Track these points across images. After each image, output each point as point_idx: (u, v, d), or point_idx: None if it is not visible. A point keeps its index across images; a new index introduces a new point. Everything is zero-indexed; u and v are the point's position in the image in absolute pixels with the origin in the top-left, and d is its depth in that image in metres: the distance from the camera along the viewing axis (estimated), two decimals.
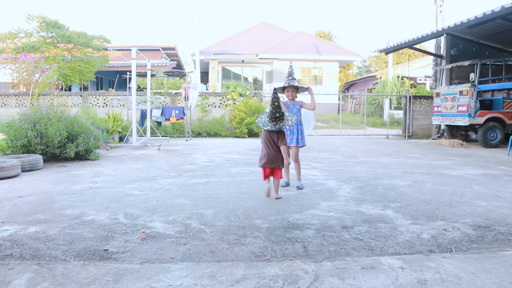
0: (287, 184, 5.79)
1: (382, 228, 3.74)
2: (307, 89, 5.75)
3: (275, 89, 5.08)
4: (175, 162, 8.30)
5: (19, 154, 7.64)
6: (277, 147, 4.91)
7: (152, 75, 14.99)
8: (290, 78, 5.66)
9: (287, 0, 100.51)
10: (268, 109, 4.94)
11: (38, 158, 7.33)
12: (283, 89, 5.71)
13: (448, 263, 2.89)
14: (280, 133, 4.93)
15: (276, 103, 4.79)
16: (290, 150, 5.72)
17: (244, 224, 3.83)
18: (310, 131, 6.09)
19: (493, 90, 14.03)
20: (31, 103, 15.78)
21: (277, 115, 4.79)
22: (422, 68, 30.23)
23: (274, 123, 4.82)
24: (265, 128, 4.89)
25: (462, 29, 12.76)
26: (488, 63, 13.91)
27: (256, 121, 5.04)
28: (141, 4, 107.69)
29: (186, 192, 5.31)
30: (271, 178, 5.00)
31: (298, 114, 5.69)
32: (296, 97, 5.78)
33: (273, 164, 4.90)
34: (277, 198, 4.93)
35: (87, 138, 8.34)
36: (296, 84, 5.69)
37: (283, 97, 5.88)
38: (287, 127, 4.94)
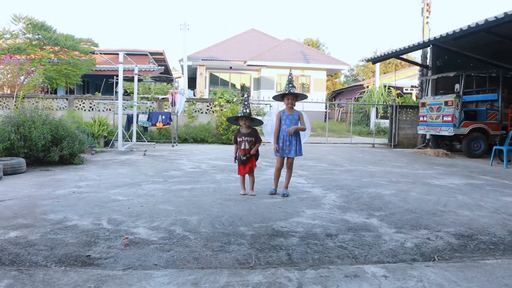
0: (274, 192, 5.77)
1: (366, 236, 3.76)
2: (306, 97, 6.11)
3: (247, 95, 5.69)
4: (160, 167, 8.26)
5: (1, 157, 7.52)
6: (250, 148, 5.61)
7: (139, 80, 14.93)
8: (290, 85, 5.66)
9: (275, 7, 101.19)
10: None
11: (21, 161, 7.24)
12: (282, 96, 5.73)
13: (431, 272, 2.91)
14: (253, 142, 5.63)
15: (246, 102, 5.72)
16: (285, 159, 5.78)
17: (229, 231, 3.82)
18: (306, 139, 6.11)
19: (477, 101, 14.23)
20: (15, 105, 15.60)
21: (247, 110, 5.59)
22: (408, 78, 30.55)
23: (242, 111, 5.58)
24: (237, 115, 5.67)
25: (447, 40, 12.95)
26: (472, 74, 14.09)
27: (227, 119, 5.97)
28: (130, 9, 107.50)
29: (171, 198, 5.28)
30: (247, 176, 5.75)
31: (297, 124, 5.68)
32: (295, 105, 5.77)
33: (247, 162, 5.64)
34: (252, 195, 5.58)
35: (71, 142, 8.26)
36: (295, 91, 5.73)
37: (274, 106, 6.45)
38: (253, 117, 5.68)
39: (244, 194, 5.59)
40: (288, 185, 5.82)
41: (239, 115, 5.58)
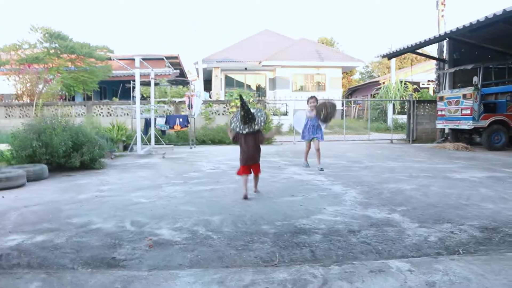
0: (308, 166, 8.39)
1: (389, 231, 3.74)
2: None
3: (241, 96, 5.44)
4: (180, 169, 8.31)
5: (24, 164, 7.66)
6: (255, 145, 5.39)
7: (156, 84, 15.05)
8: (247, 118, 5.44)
9: (289, 7, 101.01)
10: (238, 114, 5.34)
11: (44, 167, 7.36)
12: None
13: (456, 265, 2.88)
14: (258, 134, 5.39)
15: (246, 107, 5.18)
16: (313, 142, 8.32)
17: (251, 230, 3.83)
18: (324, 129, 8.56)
19: (496, 93, 14.01)
20: (35, 113, 15.87)
21: (250, 117, 5.21)
22: (425, 73, 30.20)
23: (249, 124, 5.25)
24: (244, 132, 5.28)
25: (464, 33, 12.77)
26: (491, 66, 13.88)
27: (231, 127, 5.46)
28: (145, 13, 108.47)
29: (192, 199, 5.32)
30: (250, 177, 5.56)
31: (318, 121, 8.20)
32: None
33: (252, 161, 5.44)
34: (255, 192, 5.63)
35: (91, 147, 8.37)
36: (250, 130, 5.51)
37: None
38: (261, 124, 5.33)
39: (245, 198, 5.24)
40: (320, 161, 8.15)
41: (246, 131, 5.29)
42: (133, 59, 11.29)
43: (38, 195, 5.77)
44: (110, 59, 21.50)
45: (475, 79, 12.87)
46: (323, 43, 45.35)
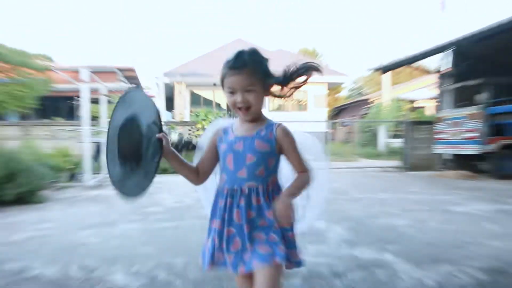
0: None
1: (380, 274, 3.83)
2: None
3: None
4: (137, 203, 8.27)
5: None
6: None
7: (108, 102, 15.01)
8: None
9: (264, 16, 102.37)
10: None
11: None
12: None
13: None
14: None
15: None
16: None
17: (221, 273, 3.87)
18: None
19: (506, 113, 14.14)
20: None
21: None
22: (422, 89, 30.92)
23: None
24: None
25: (470, 43, 12.95)
26: (501, 82, 14.01)
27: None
28: (96, 22, 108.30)
29: (151, 238, 5.32)
30: None
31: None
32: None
33: None
34: None
35: (30, 177, 8.27)
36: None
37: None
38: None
39: None
40: None
41: None
42: (79, 71, 11.24)
43: None
44: (51, 70, 21.30)
45: (481, 96, 13.03)
46: (304, 55, 46.02)
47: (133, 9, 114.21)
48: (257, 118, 2.32)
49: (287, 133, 2.26)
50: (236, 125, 2.37)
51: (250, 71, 2.21)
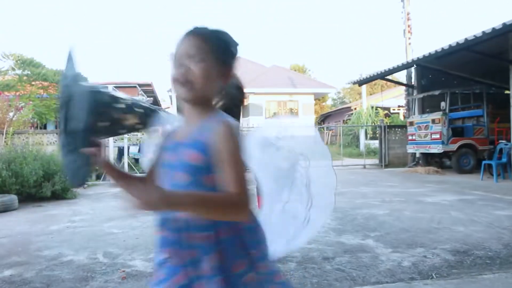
0: None
1: (363, 257, 3.76)
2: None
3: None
4: None
5: None
6: None
7: None
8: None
9: (260, 34, 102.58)
10: None
11: (13, 198, 7.17)
12: None
13: None
14: None
15: None
16: None
17: None
18: None
19: (463, 118, 14.39)
20: (5, 142, 15.50)
21: None
22: (395, 98, 30.85)
23: None
24: None
25: (430, 60, 13.15)
26: (457, 91, 14.27)
27: None
28: (119, 42, 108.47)
29: None
30: None
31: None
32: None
33: None
34: None
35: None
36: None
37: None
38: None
39: None
40: None
41: None
42: (106, 87, 11.23)
43: (7, 226, 5.61)
44: None
45: (442, 104, 13.23)
46: (295, 70, 46.01)
47: (151, 30, 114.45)
48: (203, 106, 1.34)
49: (229, 134, 1.23)
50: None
51: (205, 39, 1.31)
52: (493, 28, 9.45)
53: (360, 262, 3.63)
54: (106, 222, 5.77)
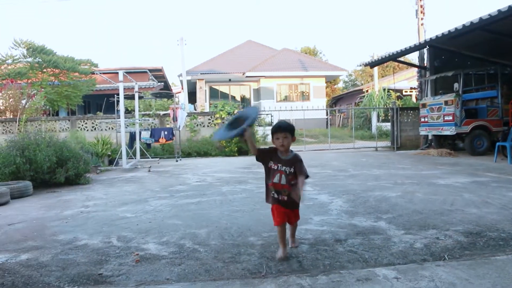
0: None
1: (375, 239, 3.76)
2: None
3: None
4: (166, 183, 8.27)
5: (7, 181, 7.56)
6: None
7: (140, 97, 15.01)
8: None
9: (271, 18, 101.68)
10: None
11: (28, 184, 7.27)
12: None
13: (442, 271, 2.91)
14: (293, 176, 3.34)
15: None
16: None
17: (238, 242, 3.83)
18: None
19: (477, 99, 14.24)
20: (18, 129, 15.67)
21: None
22: (407, 80, 30.59)
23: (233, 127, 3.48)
24: (228, 136, 3.53)
25: (444, 40, 12.99)
26: (470, 72, 14.11)
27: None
28: (128, 27, 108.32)
29: (178, 212, 5.29)
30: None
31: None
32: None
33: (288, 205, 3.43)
34: (295, 247, 3.61)
35: (76, 162, 8.30)
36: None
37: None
38: (250, 121, 3.37)
39: (283, 257, 3.27)
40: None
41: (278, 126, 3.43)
42: (117, 73, 11.26)
43: (22, 212, 5.69)
44: (93, 73, 21.42)
45: (456, 85, 13.09)
46: (306, 53, 45.73)
47: (161, 18, 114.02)
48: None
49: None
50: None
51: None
52: (509, 6, 9.25)
53: (372, 244, 3.63)
54: (119, 206, 5.83)
